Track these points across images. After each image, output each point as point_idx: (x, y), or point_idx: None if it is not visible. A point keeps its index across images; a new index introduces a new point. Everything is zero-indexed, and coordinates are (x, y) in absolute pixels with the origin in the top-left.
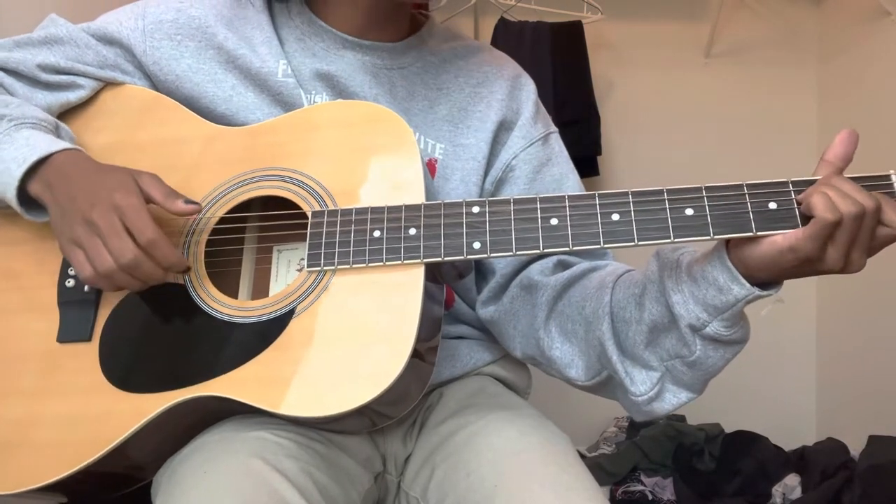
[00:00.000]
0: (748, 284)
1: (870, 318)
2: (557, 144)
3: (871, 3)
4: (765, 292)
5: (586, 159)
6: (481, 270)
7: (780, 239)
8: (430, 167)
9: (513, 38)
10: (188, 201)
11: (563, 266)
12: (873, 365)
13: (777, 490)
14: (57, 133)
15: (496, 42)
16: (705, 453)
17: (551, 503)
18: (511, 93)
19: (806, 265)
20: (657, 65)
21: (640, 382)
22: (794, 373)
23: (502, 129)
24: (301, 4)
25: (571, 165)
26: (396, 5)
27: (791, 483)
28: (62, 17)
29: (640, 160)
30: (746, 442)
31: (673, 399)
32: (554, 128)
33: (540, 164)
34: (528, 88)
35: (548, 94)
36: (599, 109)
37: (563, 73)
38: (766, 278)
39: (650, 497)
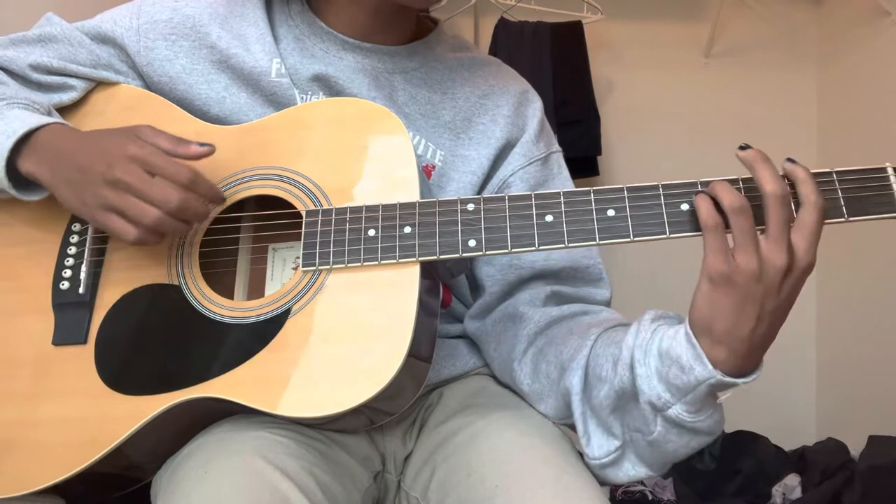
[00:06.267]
0: (710, 366)
1: (870, 318)
2: (557, 165)
3: (871, 4)
4: (729, 379)
5: (586, 159)
6: (472, 284)
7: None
8: (426, 173)
9: (513, 39)
10: (202, 144)
11: (556, 299)
12: (873, 365)
13: (777, 490)
14: (49, 115)
15: (496, 42)
16: (705, 453)
17: (552, 503)
18: (517, 109)
19: (736, 288)
20: (657, 65)
21: (598, 447)
22: (794, 373)
23: (507, 146)
24: (302, 4)
25: (571, 186)
26: (400, 7)
27: (791, 483)
28: (60, 15)
29: (640, 160)
30: (746, 442)
31: (631, 471)
32: (556, 148)
33: (537, 183)
34: (535, 106)
35: (548, 94)
36: (599, 109)
37: (563, 73)
38: (741, 358)
39: (650, 497)
